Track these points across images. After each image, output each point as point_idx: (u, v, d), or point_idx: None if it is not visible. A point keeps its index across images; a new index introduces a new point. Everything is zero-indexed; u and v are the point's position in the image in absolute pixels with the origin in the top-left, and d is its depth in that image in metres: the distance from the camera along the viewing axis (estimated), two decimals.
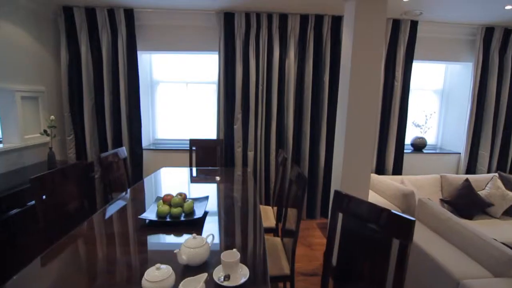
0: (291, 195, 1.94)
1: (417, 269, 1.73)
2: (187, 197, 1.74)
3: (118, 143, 3.17)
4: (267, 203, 3.32)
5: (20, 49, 2.66)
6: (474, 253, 1.58)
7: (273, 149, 3.21)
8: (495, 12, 2.91)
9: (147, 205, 1.81)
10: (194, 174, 2.69)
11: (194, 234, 1.16)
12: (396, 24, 3.19)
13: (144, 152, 3.33)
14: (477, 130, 3.55)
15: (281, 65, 3.13)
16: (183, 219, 1.53)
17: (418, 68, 3.75)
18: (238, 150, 3.19)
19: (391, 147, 3.41)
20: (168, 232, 1.46)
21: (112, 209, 1.75)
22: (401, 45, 3.24)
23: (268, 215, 2.42)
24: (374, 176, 2.89)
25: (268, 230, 2.27)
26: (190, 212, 1.63)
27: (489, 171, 3.62)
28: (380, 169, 3.45)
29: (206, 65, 3.50)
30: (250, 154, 3.20)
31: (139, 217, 1.51)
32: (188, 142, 3.09)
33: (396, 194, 2.40)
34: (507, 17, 3.07)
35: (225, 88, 3.14)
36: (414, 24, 3.22)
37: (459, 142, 3.69)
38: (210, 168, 2.95)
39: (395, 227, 1.11)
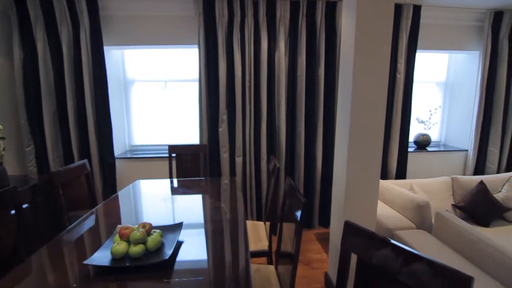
0: (286, 212, 1.60)
1: None
2: (157, 226, 1.37)
3: (85, 152, 2.76)
4: (259, 217, 2.96)
5: None
6: None
7: (264, 154, 2.85)
8: None
9: (110, 235, 1.43)
10: (176, 185, 2.32)
11: None
12: (398, 9, 2.84)
13: (118, 161, 2.92)
14: (485, 125, 3.25)
15: (270, 58, 2.76)
16: (145, 263, 1.16)
17: (420, 59, 3.43)
18: (225, 156, 2.81)
19: (394, 147, 3.08)
20: (126, 279, 1.08)
21: (65, 240, 1.36)
22: (404, 33, 2.90)
23: (259, 235, 2.06)
24: (380, 182, 2.56)
25: (261, 254, 1.92)
26: (157, 248, 1.25)
27: (498, 169, 3.33)
28: (383, 172, 3.12)
29: (187, 61, 3.11)
30: (238, 160, 2.83)
31: (84, 262, 1.13)
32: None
33: (408, 205, 2.07)
34: None
35: (207, 86, 2.76)
36: (417, 9, 2.88)
37: (465, 139, 3.40)
38: (193, 178, 2.57)
39: (438, 284, 0.76)
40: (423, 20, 2.97)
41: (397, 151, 3.09)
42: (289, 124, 2.86)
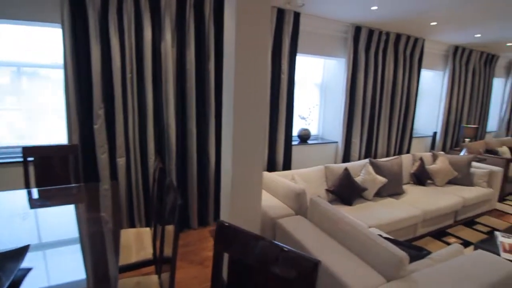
0: (167, 215, 1.49)
1: None
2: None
3: None
4: (148, 223, 2.72)
5: None
6: (368, 257, 1.52)
7: (152, 153, 2.62)
8: (362, 11, 3.15)
9: None
10: (36, 197, 1.87)
11: None
12: (281, 14, 3.07)
13: None
14: (350, 121, 3.91)
15: (155, 49, 2.54)
16: None
17: (302, 62, 3.83)
18: (103, 157, 2.45)
19: (280, 141, 3.36)
20: None
21: None
22: (286, 37, 3.16)
23: (144, 243, 1.88)
24: (265, 174, 2.73)
25: (146, 263, 1.75)
26: None
27: (359, 157, 4.07)
28: (272, 164, 3.36)
29: (49, 42, 2.54)
30: (121, 161, 2.51)
31: None
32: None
33: (289, 193, 2.27)
34: (371, 18, 3.39)
35: (77, 75, 2.32)
36: (297, 16, 3.18)
37: (336, 132, 4.01)
38: (61, 186, 2.13)
39: (294, 270, 0.82)
40: (302, 27, 3.31)
41: (283, 145, 3.38)
42: (179, 121, 2.72)
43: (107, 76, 2.39)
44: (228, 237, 0.97)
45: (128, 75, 2.45)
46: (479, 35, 4.12)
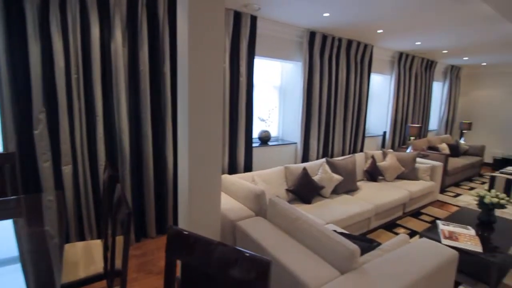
0: (117, 225, 1.41)
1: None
2: None
3: None
4: (100, 235, 2.53)
5: None
6: (323, 253, 1.57)
7: (103, 159, 2.46)
8: (316, 17, 3.28)
9: None
10: None
11: None
12: (238, 17, 3.08)
13: None
14: (308, 122, 4.05)
15: (104, 49, 2.39)
16: None
17: (260, 64, 3.88)
18: (45, 165, 2.23)
19: (241, 144, 3.35)
20: None
21: None
22: (244, 39, 3.18)
23: (94, 257, 1.75)
24: (225, 177, 2.71)
25: (97, 278, 1.63)
26: None
27: (317, 157, 4.23)
28: (233, 168, 3.35)
29: None
30: (67, 170, 2.31)
31: None
32: None
33: (248, 195, 2.27)
34: (324, 24, 3.55)
35: (12, 76, 2.09)
36: (253, 19, 3.21)
37: (295, 133, 4.12)
38: None
39: (247, 271, 0.81)
40: (260, 30, 3.36)
41: (244, 147, 3.38)
42: (133, 124, 2.59)
43: (48, 77, 2.18)
44: (180, 244, 0.94)
45: (74, 76, 2.27)
46: (419, 43, 4.54)
